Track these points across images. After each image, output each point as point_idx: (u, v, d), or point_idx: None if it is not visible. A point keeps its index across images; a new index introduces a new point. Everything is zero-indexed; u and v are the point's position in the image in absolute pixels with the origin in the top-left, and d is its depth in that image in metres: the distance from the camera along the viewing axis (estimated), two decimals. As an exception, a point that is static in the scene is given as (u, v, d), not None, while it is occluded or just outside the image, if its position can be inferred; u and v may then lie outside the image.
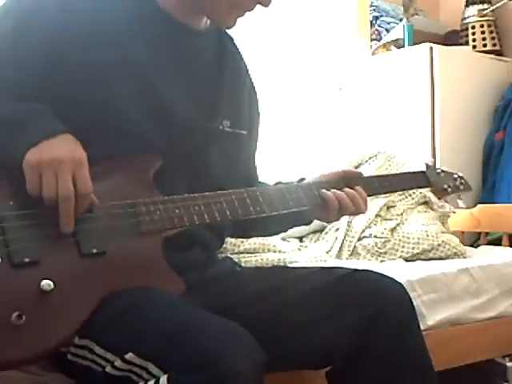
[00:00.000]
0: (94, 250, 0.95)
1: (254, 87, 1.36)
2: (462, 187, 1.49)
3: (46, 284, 0.88)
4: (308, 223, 1.36)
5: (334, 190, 1.23)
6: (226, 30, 1.29)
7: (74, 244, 0.95)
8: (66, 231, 0.93)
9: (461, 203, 1.50)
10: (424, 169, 1.45)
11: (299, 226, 1.39)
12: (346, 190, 1.24)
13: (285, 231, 1.45)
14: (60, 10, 1.08)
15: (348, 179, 1.27)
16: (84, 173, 0.95)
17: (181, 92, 1.15)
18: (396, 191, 1.42)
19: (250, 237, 1.48)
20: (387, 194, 2.25)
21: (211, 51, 1.24)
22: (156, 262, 1.01)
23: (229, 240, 1.90)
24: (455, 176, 1.49)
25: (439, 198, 1.48)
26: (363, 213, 1.27)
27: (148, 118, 1.10)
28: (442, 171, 1.47)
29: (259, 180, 1.39)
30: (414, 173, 1.43)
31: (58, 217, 0.93)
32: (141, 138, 1.09)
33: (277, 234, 1.49)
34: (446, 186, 1.46)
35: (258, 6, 1.17)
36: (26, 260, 0.89)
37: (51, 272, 0.90)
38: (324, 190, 1.22)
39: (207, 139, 1.18)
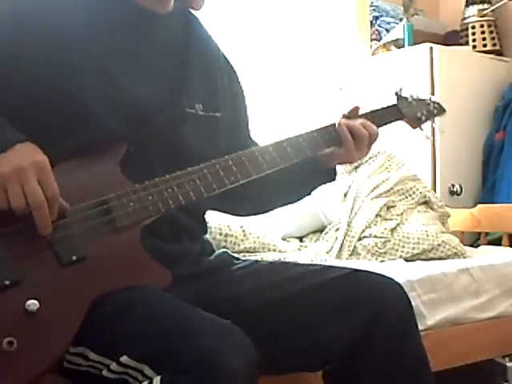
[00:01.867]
0: (74, 258, 0.93)
1: (229, 65, 1.32)
2: (435, 111, 1.40)
3: (32, 304, 0.86)
4: (332, 177, 1.30)
5: (344, 120, 1.21)
6: (192, 12, 1.25)
7: (52, 255, 0.92)
8: (46, 234, 0.91)
9: (437, 129, 1.43)
10: (395, 100, 1.37)
11: (325, 182, 1.31)
12: (352, 120, 1.23)
13: (309, 194, 1.34)
14: (20, 6, 1.06)
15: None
16: (48, 177, 0.92)
17: (142, 77, 1.12)
18: None
19: (272, 209, 1.37)
20: (387, 195, 2.25)
21: (177, 34, 1.21)
22: (137, 257, 0.99)
23: (229, 239, 1.91)
24: (428, 101, 1.40)
25: (414, 128, 1.38)
26: (377, 136, 1.24)
27: (108, 104, 1.07)
28: (414, 99, 1.38)
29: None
30: (385, 108, 1.35)
31: (31, 230, 0.90)
32: (103, 126, 1.05)
33: (301, 198, 1.35)
34: (419, 115, 1.37)
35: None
36: (7, 283, 0.87)
37: (34, 290, 0.88)
38: (334, 125, 1.20)
39: (175, 121, 1.14)
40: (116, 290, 0.94)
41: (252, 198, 1.27)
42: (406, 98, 1.37)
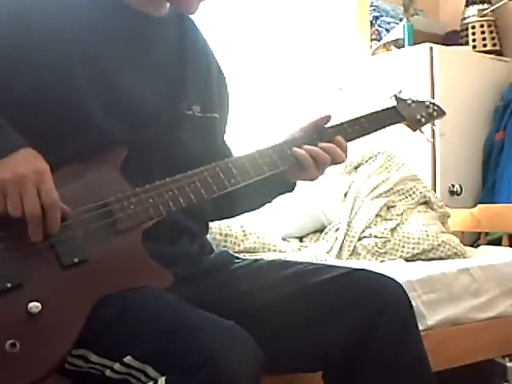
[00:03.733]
0: (76, 260, 0.93)
1: (220, 69, 1.33)
2: (435, 114, 1.39)
3: (34, 306, 0.86)
4: (291, 188, 1.29)
5: (307, 147, 1.17)
6: (188, 15, 1.25)
7: (53, 258, 0.92)
8: (36, 240, 0.91)
9: (437, 131, 1.42)
10: (394, 103, 1.35)
11: (284, 193, 1.31)
12: (321, 144, 1.18)
13: (270, 201, 1.35)
14: (20, 9, 1.06)
15: (320, 130, 1.22)
16: (48, 185, 0.92)
17: (140, 80, 1.13)
18: (370, 133, 1.29)
19: (237, 215, 1.40)
20: (387, 195, 2.25)
21: (173, 38, 1.22)
22: (139, 258, 0.99)
23: (229, 239, 1.91)
24: (427, 103, 1.39)
25: (414, 130, 1.37)
26: (343, 162, 1.20)
27: (107, 108, 1.07)
28: (413, 101, 1.37)
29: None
30: (384, 110, 1.33)
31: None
32: (103, 130, 1.06)
33: (263, 205, 1.37)
34: (419, 117, 1.35)
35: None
36: (8, 285, 0.87)
37: (36, 292, 0.88)
38: (295, 149, 1.16)
39: (173, 124, 1.14)
40: (118, 292, 0.94)
41: (221, 203, 1.25)
42: (405, 101, 1.36)
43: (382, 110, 1.33)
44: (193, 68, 1.22)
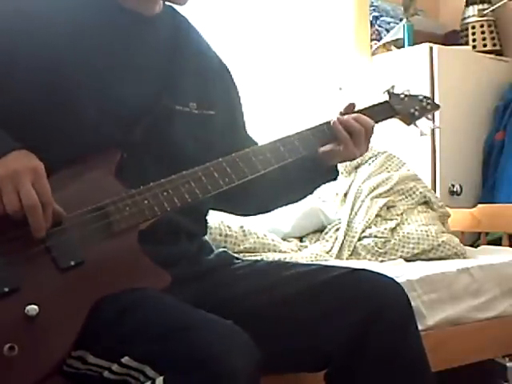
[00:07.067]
0: (72, 263, 0.93)
1: (223, 65, 1.33)
2: (429, 107, 1.38)
3: (31, 309, 0.87)
4: (334, 175, 1.29)
5: (338, 117, 1.22)
6: (180, 12, 1.26)
7: (50, 261, 0.93)
8: (40, 236, 0.91)
9: (432, 125, 1.42)
10: (387, 98, 1.36)
11: (327, 181, 1.31)
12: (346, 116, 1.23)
13: (311, 192, 1.34)
14: (14, 10, 1.07)
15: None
16: (43, 182, 0.92)
17: (131, 79, 1.12)
18: None
19: (279, 207, 1.38)
20: (387, 195, 2.25)
21: (165, 36, 1.22)
22: (136, 259, 0.99)
23: (229, 239, 1.91)
24: (420, 97, 1.39)
25: (409, 124, 1.37)
26: (373, 127, 1.24)
27: (101, 108, 1.07)
28: (406, 95, 1.37)
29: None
30: (376, 105, 1.34)
31: (28, 237, 0.91)
32: (97, 130, 1.06)
33: (305, 196, 1.35)
34: (412, 111, 1.35)
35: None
36: (6, 290, 0.88)
37: (34, 296, 0.88)
38: (328, 123, 1.20)
39: (164, 121, 1.14)
40: (115, 293, 0.94)
41: (252, 198, 1.27)
42: (397, 95, 1.36)
43: (374, 104, 1.34)
44: (187, 65, 1.21)
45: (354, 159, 1.28)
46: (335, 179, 1.31)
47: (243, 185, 1.10)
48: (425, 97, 1.39)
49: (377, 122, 1.28)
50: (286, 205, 1.38)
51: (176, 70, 1.19)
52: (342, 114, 1.27)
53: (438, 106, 1.41)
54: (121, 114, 1.09)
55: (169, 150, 1.13)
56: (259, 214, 1.43)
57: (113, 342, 0.90)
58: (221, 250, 1.30)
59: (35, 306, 0.87)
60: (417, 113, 1.36)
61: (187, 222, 1.16)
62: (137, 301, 0.93)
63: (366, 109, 1.30)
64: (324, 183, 1.32)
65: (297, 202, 1.37)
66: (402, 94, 1.36)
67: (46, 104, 1.04)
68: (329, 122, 1.23)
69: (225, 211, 1.42)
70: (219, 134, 1.25)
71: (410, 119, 1.36)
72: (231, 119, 1.30)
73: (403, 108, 1.35)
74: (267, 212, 1.41)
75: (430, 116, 1.39)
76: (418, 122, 1.38)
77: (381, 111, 1.32)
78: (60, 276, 0.92)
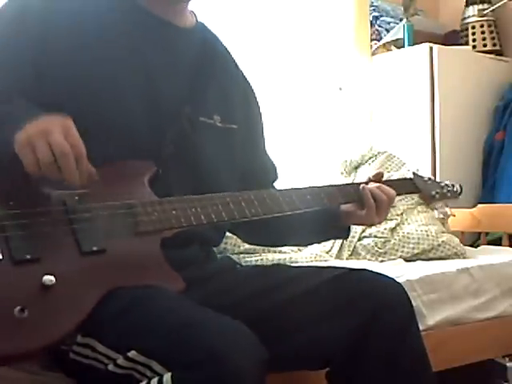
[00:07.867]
0: (95, 248, 0.96)
1: (247, 83, 1.37)
2: (449, 194, 1.50)
3: (48, 279, 0.89)
4: (345, 234, 1.38)
5: (367, 186, 1.29)
6: (210, 29, 1.32)
7: (73, 242, 0.95)
8: (75, 184, 0.92)
9: (448, 211, 1.52)
10: (411, 176, 1.48)
11: (336, 237, 1.41)
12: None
13: (318, 242, 1.47)
14: (47, 10, 1.10)
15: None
16: (74, 133, 0.93)
17: (172, 89, 1.17)
18: None
19: (283, 245, 1.49)
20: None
21: (196, 49, 1.26)
22: (156, 261, 1.02)
23: (229, 241, 1.91)
24: (442, 184, 1.51)
25: (428, 204, 1.50)
26: (393, 200, 1.31)
27: (146, 115, 1.12)
28: (429, 179, 1.50)
29: (275, 177, 1.41)
30: (402, 179, 1.47)
31: (54, 214, 0.94)
32: (134, 137, 1.10)
33: (310, 244, 1.49)
34: (433, 193, 1.47)
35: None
36: (28, 257, 0.90)
37: (53, 268, 0.91)
38: (363, 185, 1.28)
39: (192, 130, 1.17)
40: (129, 286, 0.96)
41: (268, 233, 1.33)
42: (421, 177, 1.48)
43: (400, 179, 1.50)
44: (212, 80, 1.25)
45: (372, 225, 1.39)
46: (346, 238, 1.43)
47: (265, 220, 1.15)
48: (446, 184, 1.51)
49: (398, 195, 1.36)
50: (293, 246, 1.47)
51: (202, 82, 1.23)
52: (370, 179, 1.34)
53: (457, 196, 1.52)
54: (155, 116, 1.13)
55: (195, 163, 1.17)
56: (267, 246, 1.55)
57: (121, 334, 0.92)
58: (223, 255, 1.33)
59: (52, 277, 0.89)
60: (437, 195, 1.48)
61: (207, 233, 1.20)
62: (147, 296, 0.95)
63: (392, 180, 1.42)
64: (333, 239, 1.41)
65: (302, 246, 1.47)
66: (427, 177, 1.50)
67: (78, 105, 1.06)
68: (356, 185, 1.31)
69: (237, 236, 1.51)
70: (240, 149, 1.29)
71: (430, 200, 1.49)
72: (252, 136, 1.35)
73: (425, 188, 1.47)
74: (274, 247, 1.56)
75: (448, 203, 1.49)
76: (436, 205, 1.55)
77: (404, 186, 1.44)
78: (80, 258, 0.95)
